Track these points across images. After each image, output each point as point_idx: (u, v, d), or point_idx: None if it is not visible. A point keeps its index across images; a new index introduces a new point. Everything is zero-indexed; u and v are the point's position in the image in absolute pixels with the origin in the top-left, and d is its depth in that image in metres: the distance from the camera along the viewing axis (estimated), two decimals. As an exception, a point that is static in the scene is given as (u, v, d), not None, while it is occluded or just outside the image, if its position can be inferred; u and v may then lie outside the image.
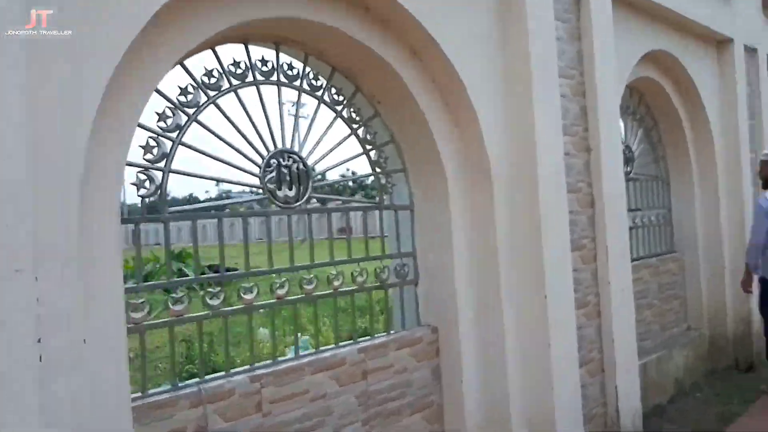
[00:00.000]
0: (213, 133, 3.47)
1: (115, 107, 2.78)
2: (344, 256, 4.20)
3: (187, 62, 3.43)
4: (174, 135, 3.32)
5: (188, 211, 3.54)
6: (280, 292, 3.77)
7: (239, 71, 3.63)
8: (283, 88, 3.87)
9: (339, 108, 4.18)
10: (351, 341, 4.17)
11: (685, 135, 7.57)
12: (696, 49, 7.32)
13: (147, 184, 3.20)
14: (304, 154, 3.94)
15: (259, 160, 3.72)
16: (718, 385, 7.07)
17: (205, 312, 3.49)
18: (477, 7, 4.42)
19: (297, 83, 3.93)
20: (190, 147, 3.39)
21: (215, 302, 3.49)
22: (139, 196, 3.19)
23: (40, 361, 2.27)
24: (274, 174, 3.76)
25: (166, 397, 3.11)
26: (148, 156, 3.21)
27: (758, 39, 8.31)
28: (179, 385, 3.28)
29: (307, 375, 3.71)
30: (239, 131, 3.62)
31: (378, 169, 4.41)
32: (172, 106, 3.33)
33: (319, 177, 4.03)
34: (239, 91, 3.66)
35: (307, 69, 4.00)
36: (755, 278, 6.48)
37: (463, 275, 4.45)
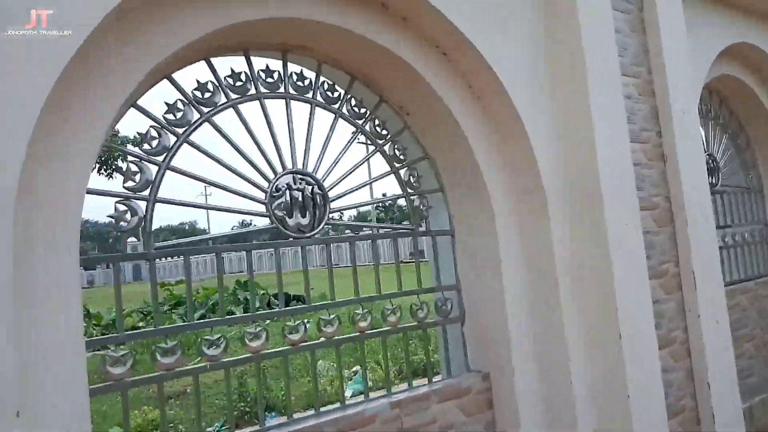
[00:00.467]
0: (207, 154, 3.00)
1: (60, 121, 2.34)
2: (372, 291, 3.60)
3: (177, 76, 3.00)
4: (160, 159, 2.87)
5: (179, 246, 3.05)
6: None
7: (239, 84, 3.17)
8: (293, 102, 3.38)
9: (360, 122, 3.64)
10: (384, 394, 3.53)
11: (778, 139, 6.55)
12: (786, 39, 6.35)
13: (128, 216, 2.74)
14: (319, 176, 3.41)
15: (264, 184, 3.21)
16: None
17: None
18: (517, -3, 3.81)
19: (309, 95, 3.43)
20: (179, 172, 2.93)
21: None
22: (117, 231, 2.73)
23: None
24: (283, 199, 3.24)
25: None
26: (129, 183, 2.77)
27: None
28: None
29: (328, 438, 3.10)
30: (240, 152, 3.13)
31: (410, 190, 3.81)
32: (158, 125, 2.89)
33: (337, 201, 3.48)
34: (240, 106, 3.19)
35: (321, 79, 3.50)
36: None
37: (517, 311, 3.74)
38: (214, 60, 3.15)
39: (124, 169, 2.76)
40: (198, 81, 3.03)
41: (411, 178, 3.82)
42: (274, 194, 3.22)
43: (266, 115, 3.25)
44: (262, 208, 3.21)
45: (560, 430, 3.68)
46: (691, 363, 4.40)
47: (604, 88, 3.88)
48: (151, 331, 2.84)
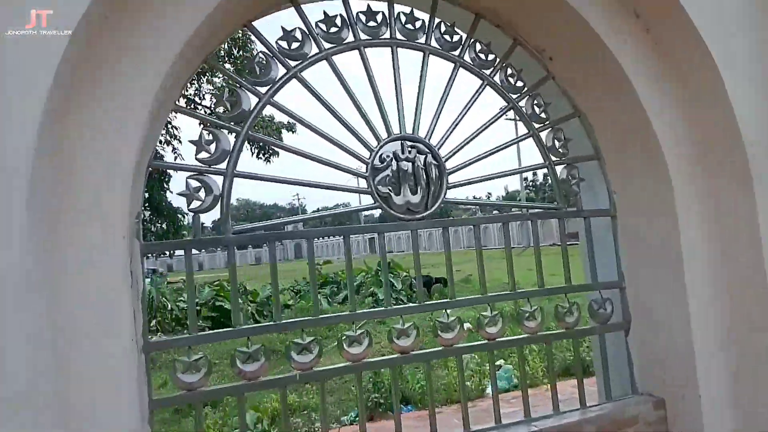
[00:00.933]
0: (293, 116, 2.45)
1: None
2: (503, 278, 2.85)
3: (258, 24, 2.48)
4: (240, 126, 2.38)
5: (258, 230, 2.54)
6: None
7: (333, 30, 2.57)
8: (402, 51, 2.70)
9: (488, 72, 2.86)
10: (523, 420, 2.77)
11: None
12: None
13: (201, 194, 2.29)
14: (433, 142, 2.71)
15: (365, 154, 2.60)
16: None
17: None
18: None
19: (421, 40, 2.73)
20: (259, 140, 2.43)
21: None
22: (190, 210, 2.29)
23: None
24: (388, 172, 2.60)
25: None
26: (203, 155, 2.30)
27: None
28: None
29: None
30: (334, 114, 2.53)
31: (554, 157, 2.96)
32: (236, 85, 2.40)
33: (457, 173, 2.75)
34: (336, 57, 2.59)
35: (437, 19, 2.77)
36: None
37: (705, 317, 2.76)
38: (304, 6, 2.58)
39: (197, 138, 2.30)
40: (283, 29, 2.48)
41: (555, 142, 2.96)
42: (377, 166, 2.59)
43: (367, 68, 2.62)
44: (363, 184, 2.60)
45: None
46: None
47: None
48: (227, 332, 2.37)
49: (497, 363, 8.37)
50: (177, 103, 2.28)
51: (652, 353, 2.94)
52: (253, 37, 2.31)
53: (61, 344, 1.83)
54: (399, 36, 2.69)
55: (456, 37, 2.81)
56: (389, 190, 2.59)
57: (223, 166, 2.33)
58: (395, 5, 2.71)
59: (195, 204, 2.28)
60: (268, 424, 6.49)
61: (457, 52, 2.80)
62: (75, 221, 1.92)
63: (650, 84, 2.78)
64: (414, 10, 2.75)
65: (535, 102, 2.95)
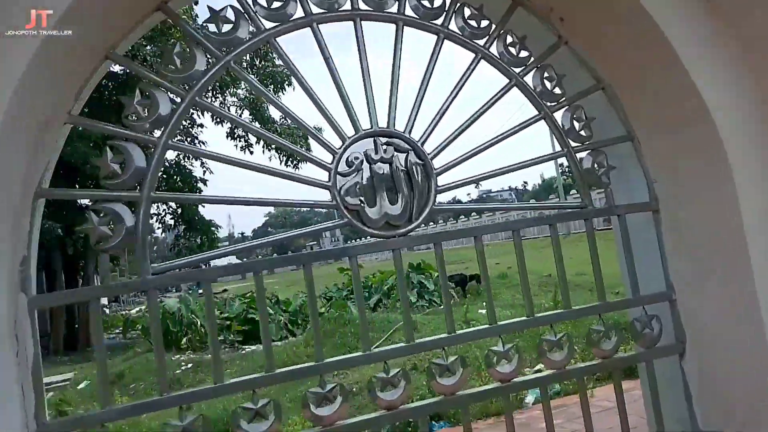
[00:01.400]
0: (228, 118, 1.93)
1: None
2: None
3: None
4: (157, 134, 1.87)
5: (180, 268, 2.01)
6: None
7: (276, 5, 2.03)
8: (368, 24, 2.15)
9: (482, 42, 2.27)
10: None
11: None
12: None
13: (107, 228, 1.79)
14: (415, 136, 2.15)
15: (328, 158, 2.05)
16: None
17: None
18: None
19: (392, 9, 2.17)
20: (183, 149, 1.90)
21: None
22: (95, 248, 1.79)
23: None
24: (358, 179, 2.05)
25: None
26: (109, 177, 1.80)
27: None
28: None
29: None
30: (281, 108, 1.98)
31: (574, 142, 2.35)
32: (151, 85, 1.89)
33: (448, 173, 2.17)
34: (284, 38, 2.06)
35: (410, -18, 2.21)
36: None
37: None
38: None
39: (101, 158, 1.79)
40: (210, 8, 1.96)
41: (575, 122, 2.36)
42: (343, 171, 2.04)
43: (323, 49, 2.07)
44: (325, 194, 2.05)
45: None
46: None
47: None
48: (150, 403, 1.83)
49: (537, 368, 7.70)
50: (71, 113, 1.78)
51: (716, 381, 2.30)
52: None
53: None
54: (363, 6, 2.13)
55: (437, 2, 2.23)
56: (360, 201, 2.04)
57: (136, 191, 1.82)
58: (357, -32, 2.15)
59: (103, 243, 1.77)
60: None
61: (439, 21, 2.22)
62: None
63: (697, 44, 2.15)
64: (380, -29, 2.19)
65: (546, 75, 2.35)
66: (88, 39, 1.73)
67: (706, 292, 2.29)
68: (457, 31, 2.24)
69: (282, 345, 10.99)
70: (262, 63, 14.23)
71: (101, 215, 1.76)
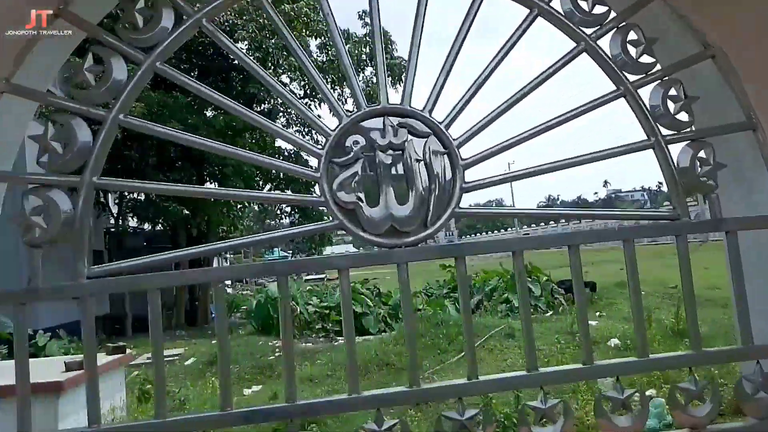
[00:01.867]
0: (185, 85, 1.56)
1: None
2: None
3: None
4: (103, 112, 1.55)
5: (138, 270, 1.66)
6: None
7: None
8: (385, -27, 1.68)
9: (538, -6, 1.72)
10: None
11: None
12: None
13: (42, 218, 1.50)
14: (438, 117, 1.66)
15: (318, 147, 1.62)
16: None
17: None
18: None
19: (416, -46, 1.69)
20: (137, 126, 1.56)
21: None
22: (25, 243, 1.51)
23: None
24: (357, 169, 1.60)
25: None
26: (47, 157, 1.51)
27: None
28: None
29: None
30: (267, 82, 1.59)
31: (666, 130, 1.72)
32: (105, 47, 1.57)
33: (477, 166, 1.65)
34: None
35: None
36: None
37: None
38: None
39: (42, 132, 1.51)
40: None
41: (669, 103, 1.72)
42: (337, 160, 1.60)
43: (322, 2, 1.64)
44: (315, 191, 1.62)
45: None
46: None
47: None
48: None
49: (647, 393, 6.73)
50: (9, 80, 1.51)
51: None
52: None
53: None
54: (376, -52, 1.67)
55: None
56: (357, 198, 1.59)
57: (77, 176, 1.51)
58: None
59: (33, 232, 1.48)
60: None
61: (477, -32, 1.70)
62: None
63: None
64: None
65: (629, 38, 1.73)
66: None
67: None
68: (504, -20, 1.71)
69: (374, 340, 10.75)
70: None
71: (37, 203, 1.48)
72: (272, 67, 14.75)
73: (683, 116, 1.72)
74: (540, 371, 1.59)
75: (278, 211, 18.45)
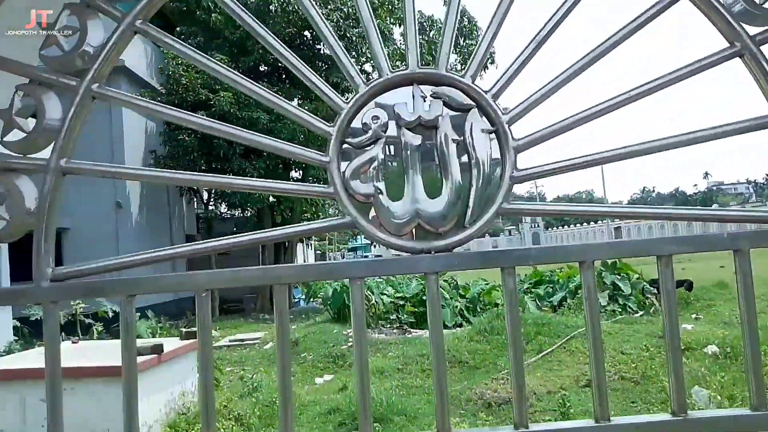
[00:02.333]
0: (172, 50, 1.28)
1: None
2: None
3: None
4: (73, 83, 1.30)
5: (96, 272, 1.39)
6: None
7: None
8: None
9: None
10: None
11: None
12: None
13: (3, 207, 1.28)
14: (484, 86, 1.28)
15: (326, 127, 1.30)
16: None
17: None
18: None
19: None
20: (113, 98, 1.30)
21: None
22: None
23: None
24: (376, 152, 1.26)
25: None
26: (12, 136, 1.29)
27: None
28: None
29: None
30: (272, 46, 1.28)
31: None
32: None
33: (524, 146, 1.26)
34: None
35: None
36: None
37: None
38: None
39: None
40: None
41: (808, 63, 1.24)
42: (353, 141, 1.27)
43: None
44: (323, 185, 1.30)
45: None
46: None
47: None
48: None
49: (692, 389, 5.92)
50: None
51: None
52: None
53: None
54: None
55: None
56: (376, 188, 1.25)
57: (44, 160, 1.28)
58: None
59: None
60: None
61: None
62: None
63: None
64: None
65: (752, -24, 1.27)
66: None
67: None
68: None
69: (448, 335, 10.38)
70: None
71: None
72: (356, 56, 14.57)
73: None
74: (612, 422, 1.19)
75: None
